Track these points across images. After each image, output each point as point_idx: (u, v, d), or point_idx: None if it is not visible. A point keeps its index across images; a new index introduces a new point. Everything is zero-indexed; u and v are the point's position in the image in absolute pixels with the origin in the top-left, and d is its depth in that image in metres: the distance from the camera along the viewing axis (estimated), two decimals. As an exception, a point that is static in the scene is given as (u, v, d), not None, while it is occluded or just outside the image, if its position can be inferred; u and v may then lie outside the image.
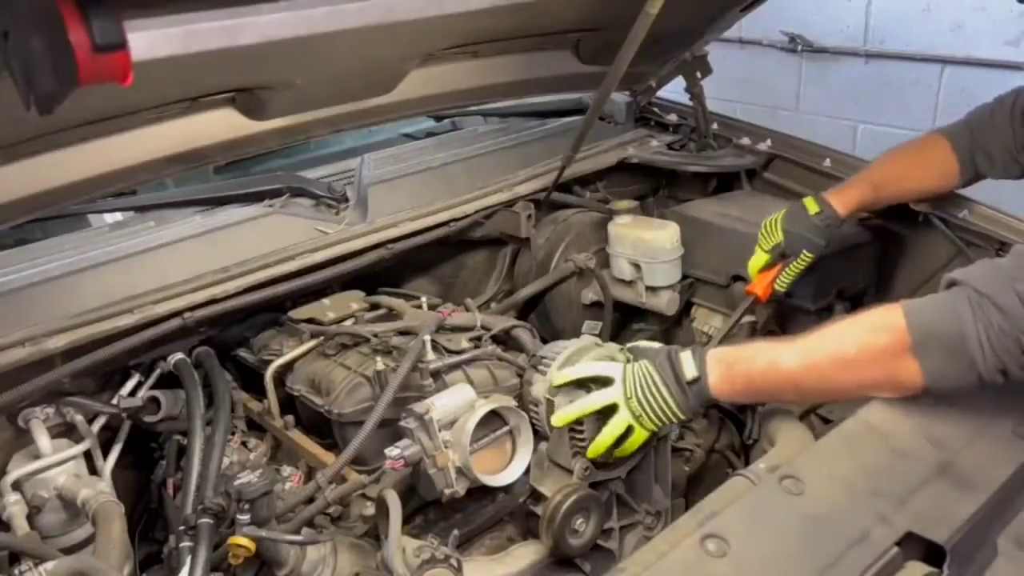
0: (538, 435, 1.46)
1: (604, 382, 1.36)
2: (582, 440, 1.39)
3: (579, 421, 1.38)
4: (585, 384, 1.39)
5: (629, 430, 1.34)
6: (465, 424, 1.35)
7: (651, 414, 1.31)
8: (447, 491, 1.35)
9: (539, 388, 1.45)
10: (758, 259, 1.87)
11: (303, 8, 1.29)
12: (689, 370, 1.29)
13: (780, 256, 1.84)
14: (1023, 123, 1.72)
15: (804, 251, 1.80)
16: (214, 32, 1.20)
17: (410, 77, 1.81)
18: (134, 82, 0.81)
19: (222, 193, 1.96)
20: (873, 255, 2.04)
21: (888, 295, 2.02)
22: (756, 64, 3.81)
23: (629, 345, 1.44)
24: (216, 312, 1.62)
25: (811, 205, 1.82)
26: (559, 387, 1.41)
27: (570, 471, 1.42)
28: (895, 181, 1.84)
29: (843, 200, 1.82)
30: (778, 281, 1.85)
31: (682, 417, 1.32)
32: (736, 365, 1.28)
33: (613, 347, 1.48)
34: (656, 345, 1.41)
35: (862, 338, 1.20)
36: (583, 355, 1.45)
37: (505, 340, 1.70)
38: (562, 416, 1.38)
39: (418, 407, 1.36)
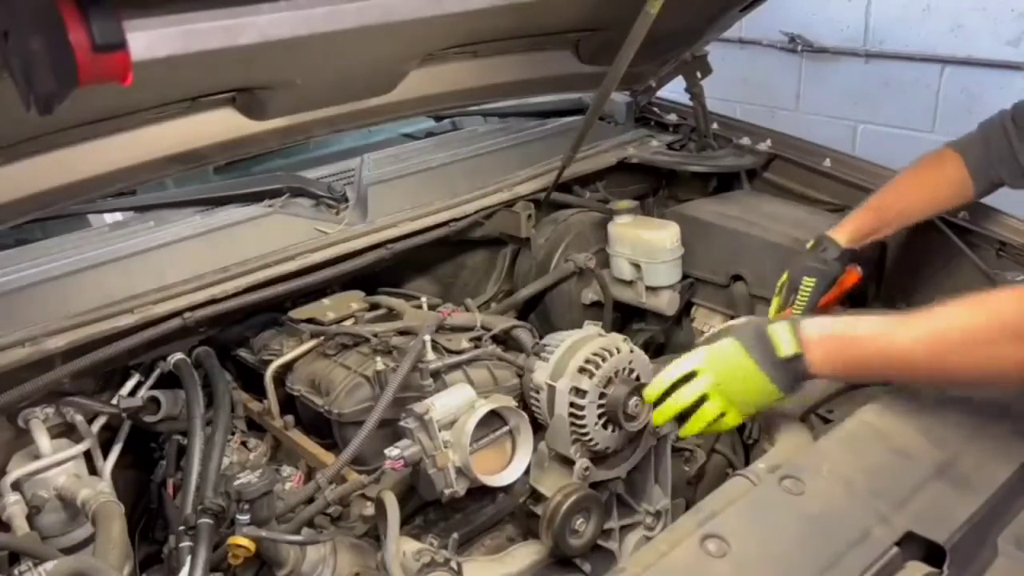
0: (537, 425, 1.46)
1: (688, 377, 1.27)
2: (583, 429, 1.39)
3: (579, 407, 1.38)
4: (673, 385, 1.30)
5: (722, 413, 1.26)
6: (465, 424, 1.35)
7: (747, 397, 1.24)
8: (447, 491, 1.35)
9: (540, 375, 1.45)
10: (773, 307, 1.84)
11: (303, 8, 1.29)
12: (788, 347, 1.20)
13: (790, 293, 1.81)
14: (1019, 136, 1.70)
15: (804, 278, 1.77)
16: (214, 32, 1.20)
17: (410, 77, 1.81)
18: (134, 82, 0.81)
19: (222, 193, 1.96)
20: (873, 255, 2.04)
21: (888, 295, 2.01)
22: (756, 64, 3.81)
23: (714, 330, 1.36)
24: (216, 312, 1.61)
25: (810, 244, 1.81)
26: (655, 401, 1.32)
27: (569, 460, 1.41)
28: (897, 202, 1.81)
29: (842, 231, 1.79)
30: (793, 311, 1.82)
31: (780, 397, 1.23)
32: (850, 347, 1.19)
33: (617, 337, 1.47)
34: (742, 320, 1.34)
35: (1005, 307, 1.11)
36: (585, 344, 1.44)
37: (505, 340, 1.70)
38: (660, 413, 1.30)
39: (418, 407, 1.36)
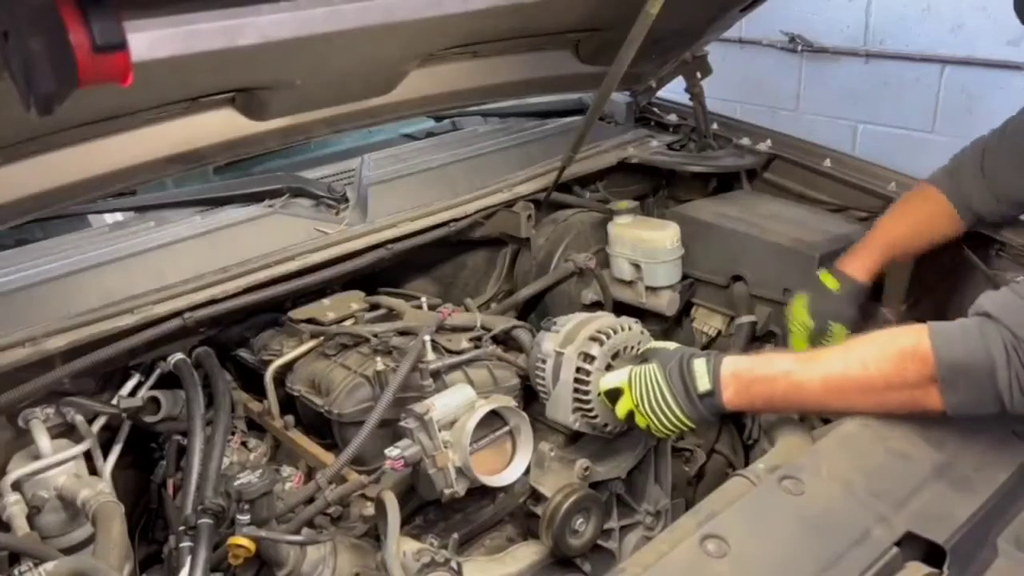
0: (534, 398, 1.49)
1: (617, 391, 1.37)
2: (587, 396, 1.40)
3: (583, 383, 1.40)
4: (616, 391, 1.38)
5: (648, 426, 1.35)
6: (465, 424, 1.35)
7: (660, 423, 1.31)
8: (447, 491, 1.35)
9: (549, 344, 1.46)
10: (796, 345, 1.84)
11: (303, 8, 1.29)
12: (702, 383, 1.27)
13: (815, 341, 1.80)
14: (986, 176, 1.73)
15: (834, 323, 1.77)
16: (214, 32, 1.20)
17: (410, 77, 1.81)
18: (134, 82, 0.81)
19: (222, 193, 1.96)
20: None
21: (887, 295, 2.01)
22: (756, 64, 3.81)
23: (646, 347, 1.44)
24: (216, 312, 1.61)
25: (829, 281, 1.79)
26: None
27: (566, 429, 1.44)
28: (906, 240, 1.82)
29: (863, 267, 1.79)
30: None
31: (691, 427, 1.32)
32: (754, 385, 1.26)
33: (629, 319, 1.48)
34: (672, 346, 1.39)
35: (887, 368, 1.18)
36: (596, 320, 1.46)
37: (505, 340, 1.70)
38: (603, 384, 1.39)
39: (418, 407, 1.36)
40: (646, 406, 1.31)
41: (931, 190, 1.79)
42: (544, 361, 1.46)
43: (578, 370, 1.41)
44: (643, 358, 1.39)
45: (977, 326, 1.14)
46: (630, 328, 1.45)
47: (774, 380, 1.25)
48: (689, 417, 1.29)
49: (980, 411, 1.14)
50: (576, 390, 1.41)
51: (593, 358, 1.40)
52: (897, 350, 1.18)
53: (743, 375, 1.27)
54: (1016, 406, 1.11)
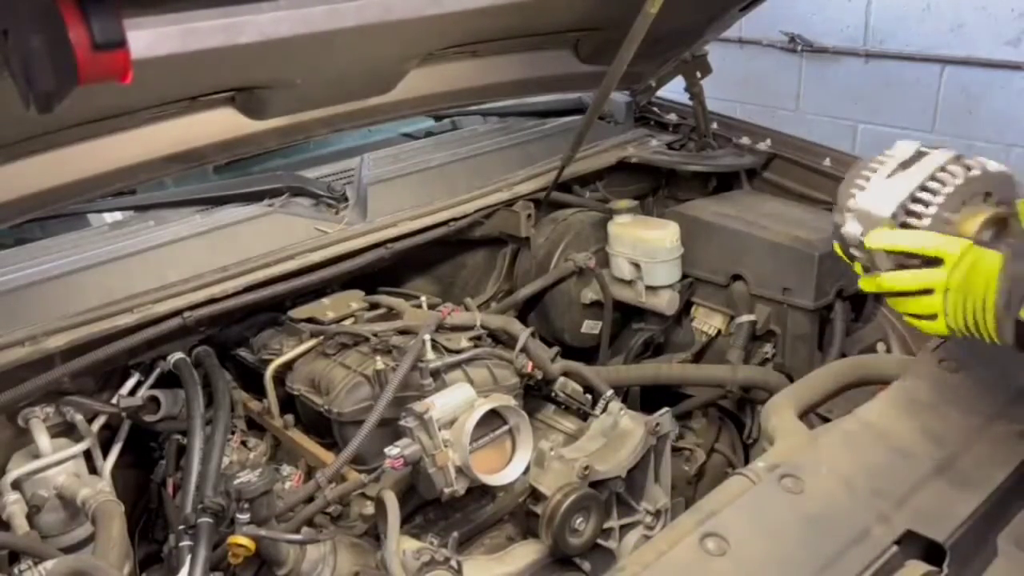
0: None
1: (932, 261, 1.12)
2: (926, 208, 1.13)
3: (934, 192, 1.13)
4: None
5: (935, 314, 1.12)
6: (465, 423, 1.35)
7: (964, 325, 1.11)
8: (447, 490, 1.35)
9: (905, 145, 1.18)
10: None
11: (302, 7, 1.30)
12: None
13: None
14: None
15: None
16: (214, 31, 1.20)
17: (410, 77, 1.81)
18: (134, 81, 0.81)
19: (222, 193, 1.96)
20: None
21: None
22: (756, 64, 3.81)
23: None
24: (216, 311, 1.62)
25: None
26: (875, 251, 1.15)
27: (877, 221, 1.14)
28: None
29: None
30: None
31: (997, 343, 1.09)
32: None
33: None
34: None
35: None
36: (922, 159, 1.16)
37: (505, 340, 1.70)
38: (883, 241, 1.14)
39: (418, 406, 1.36)
40: (963, 303, 1.09)
41: None
42: (890, 155, 1.17)
43: (940, 172, 1.13)
44: (1006, 234, 1.13)
45: None
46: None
47: None
48: (1000, 335, 1.08)
49: None
50: (925, 189, 1.13)
51: (969, 168, 1.13)
52: None
53: None
54: None
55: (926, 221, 1.14)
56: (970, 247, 1.11)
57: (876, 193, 1.16)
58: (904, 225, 1.15)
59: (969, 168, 1.14)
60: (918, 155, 1.17)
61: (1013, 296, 1.06)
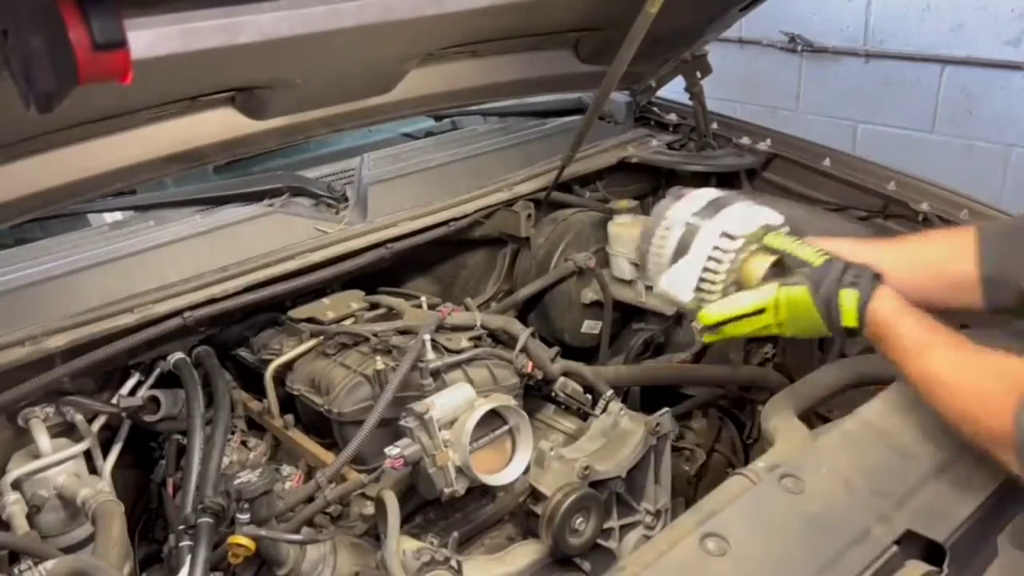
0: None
1: (755, 313, 1.29)
2: (715, 279, 1.31)
3: (717, 261, 1.30)
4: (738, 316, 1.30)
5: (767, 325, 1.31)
6: (465, 423, 1.35)
7: (799, 329, 1.28)
8: (447, 490, 1.35)
9: (680, 213, 1.35)
10: None
11: (302, 7, 1.30)
12: (848, 320, 1.22)
13: None
14: None
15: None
16: (214, 31, 1.20)
17: (410, 77, 1.81)
18: (134, 81, 0.81)
19: (222, 192, 1.96)
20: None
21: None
22: (756, 64, 3.81)
23: (777, 243, 1.34)
24: (216, 311, 1.61)
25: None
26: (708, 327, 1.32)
27: (670, 307, 1.34)
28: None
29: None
30: None
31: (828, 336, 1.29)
32: (889, 341, 1.20)
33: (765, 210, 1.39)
34: (811, 253, 1.30)
35: (978, 380, 1.11)
36: (731, 204, 1.35)
37: (505, 340, 1.70)
38: (712, 315, 1.30)
39: (418, 406, 1.36)
40: (790, 329, 1.28)
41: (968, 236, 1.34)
42: (668, 229, 1.33)
43: (713, 251, 1.29)
44: (781, 265, 1.31)
45: None
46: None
47: (910, 351, 1.18)
48: (827, 332, 1.26)
49: None
50: (707, 269, 1.30)
51: (733, 239, 1.29)
52: (996, 367, 1.11)
53: (887, 326, 1.20)
54: None
55: (719, 287, 1.31)
56: (778, 288, 1.28)
57: (671, 283, 1.35)
58: (703, 300, 1.33)
59: (733, 238, 1.31)
60: (690, 229, 1.34)
61: (833, 313, 1.23)
